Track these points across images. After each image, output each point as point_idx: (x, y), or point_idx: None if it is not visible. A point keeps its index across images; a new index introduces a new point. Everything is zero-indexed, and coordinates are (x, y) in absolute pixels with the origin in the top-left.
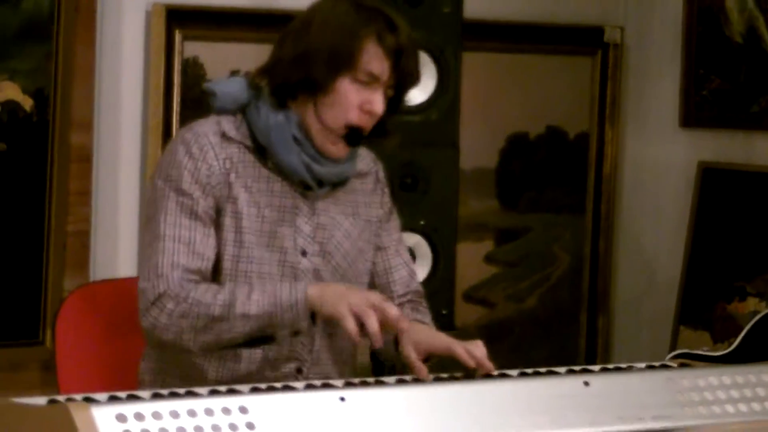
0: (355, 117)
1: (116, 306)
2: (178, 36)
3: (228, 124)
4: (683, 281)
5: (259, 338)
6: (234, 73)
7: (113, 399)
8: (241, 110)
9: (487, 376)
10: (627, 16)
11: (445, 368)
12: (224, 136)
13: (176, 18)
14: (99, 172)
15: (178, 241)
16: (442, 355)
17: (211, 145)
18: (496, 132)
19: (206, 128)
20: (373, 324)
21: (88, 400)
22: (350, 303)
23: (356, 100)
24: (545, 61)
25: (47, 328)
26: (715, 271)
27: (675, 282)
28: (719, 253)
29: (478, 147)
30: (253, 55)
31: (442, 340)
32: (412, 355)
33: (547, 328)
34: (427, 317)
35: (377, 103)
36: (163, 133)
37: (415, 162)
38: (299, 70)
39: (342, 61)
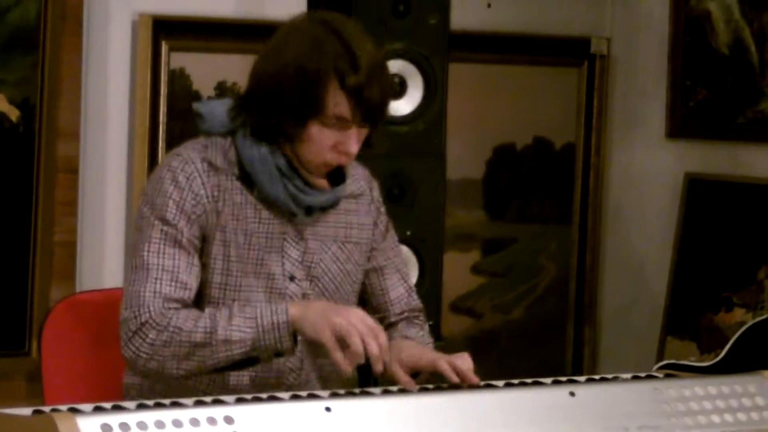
0: (332, 158)
1: (102, 316)
2: (164, 47)
3: (215, 150)
4: (670, 292)
5: (244, 361)
6: (221, 84)
7: (98, 409)
8: (230, 133)
9: (473, 386)
10: (614, 27)
11: (434, 383)
12: (211, 164)
13: (163, 29)
14: (85, 182)
15: (162, 270)
16: (427, 371)
17: (198, 173)
18: (483, 142)
19: (194, 155)
20: (356, 344)
21: (74, 411)
22: (332, 324)
23: (330, 142)
24: (532, 72)
25: (33, 339)
26: (701, 281)
27: (662, 293)
28: (706, 264)
29: (465, 157)
30: (239, 65)
31: (427, 356)
32: (399, 372)
33: (533, 339)
34: (424, 328)
35: (351, 143)
36: (150, 143)
37: (401, 172)
38: (271, 116)
39: (309, 110)
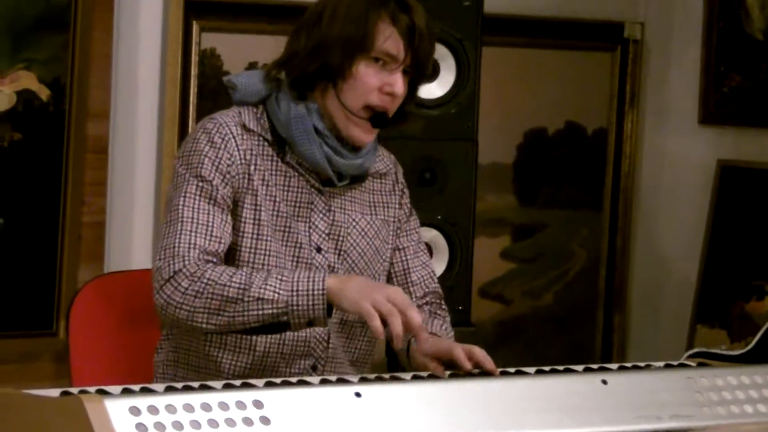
0: (375, 99)
1: (130, 298)
2: (195, 27)
3: (248, 115)
4: (700, 279)
5: (274, 326)
6: (252, 65)
7: (127, 392)
8: (262, 102)
9: (504, 373)
10: (647, 12)
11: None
12: (245, 127)
13: (194, 9)
14: (115, 162)
15: (196, 223)
16: (445, 359)
17: (232, 136)
18: (514, 127)
19: (227, 119)
20: (397, 325)
21: (102, 393)
22: (373, 300)
23: (376, 83)
24: (564, 56)
25: (61, 319)
26: (732, 269)
27: (692, 280)
28: (737, 252)
29: (495, 142)
30: (270, 46)
31: (445, 345)
32: (426, 360)
33: (563, 325)
34: (446, 320)
35: (397, 84)
36: (180, 124)
37: (433, 156)
38: (316, 60)
39: (358, 45)
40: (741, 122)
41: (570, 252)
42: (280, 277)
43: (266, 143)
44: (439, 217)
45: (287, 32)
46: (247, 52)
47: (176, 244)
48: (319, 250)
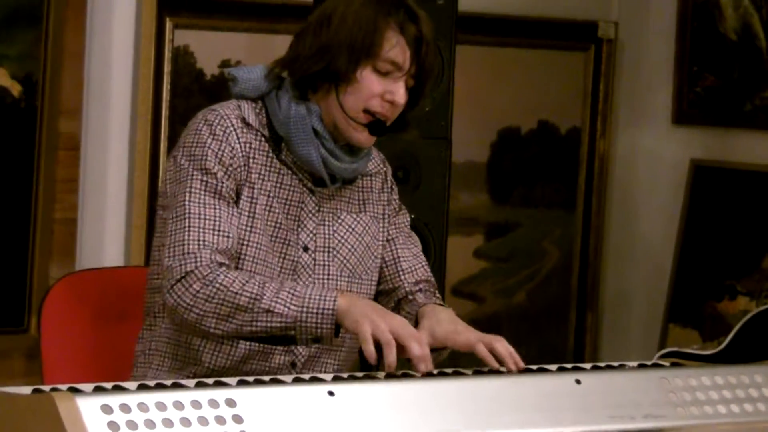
0: (376, 105)
1: (102, 295)
2: (168, 24)
3: (248, 109)
4: (673, 279)
5: (281, 338)
6: (225, 62)
7: (99, 390)
8: (261, 98)
9: (477, 372)
10: (621, 12)
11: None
12: (244, 121)
13: (167, 6)
14: (87, 159)
15: (204, 219)
16: (461, 351)
17: (233, 128)
18: (487, 126)
19: (228, 111)
20: (390, 356)
21: (73, 391)
22: (374, 325)
23: (378, 90)
24: (538, 55)
25: (32, 316)
26: (705, 269)
27: (665, 279)
28: (710, 251)
29: (469, 141)
30: (243, 44)
31: (463, 338)
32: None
33: (535, 324)
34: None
35: (399, 93)
36: (153, 121)
37: (407, 155)
38: (321, 62)
39: (364, 51)
40: (714, 122)
41: (543, 251)
42: (292, 291)
43: (263, 139)
44: (412, 216)
45: (260, 29)
46: (220, 49)
47: (186, 241)
48: (306, 249)
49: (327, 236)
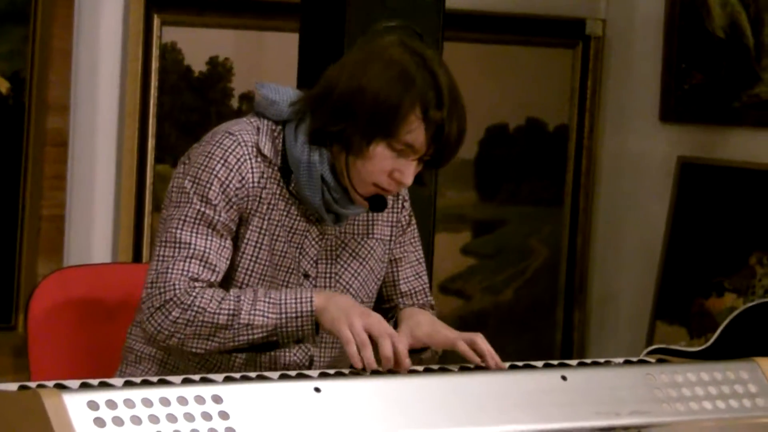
0: (383, 182)
1: (90, 292)
2: (156, 21)
3: (266, 135)
4: (660, 276)
5: (264, 346)
6: (213, 60)
7: (85, 386)
8: (282, 123)
9: (463, 368)
10: (609, 9)
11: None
12: (260, 151)
13: (155, 3)
14: (75, 156)
15: (193, 249)
16: (442, 349)
17: (248, 156)
18: (475, 123)
19: (247, 137)
20: (368, 357)
21: (60, 387)
22: (351, 325)
23: (388, 167)
24: (526, 52)
25: (20, 313)
26: (692, 266)
27: (652, 277)
28: (697, 249)
29: None
30: (231, 41)
31: (442, 334)
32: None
33: (522, 322)
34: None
35: (407, 173)
36: (140, 118)
37: None
38: (339, 124)
39: (382, 129)
40: (702, 119)
41: (530, 248)
42: (268, 299)
43: (275, 168)
44: None
45: (249, 26)
46: (208, 46)
47: (168, 270)
48: (306, 276)
49: (329, 263)
